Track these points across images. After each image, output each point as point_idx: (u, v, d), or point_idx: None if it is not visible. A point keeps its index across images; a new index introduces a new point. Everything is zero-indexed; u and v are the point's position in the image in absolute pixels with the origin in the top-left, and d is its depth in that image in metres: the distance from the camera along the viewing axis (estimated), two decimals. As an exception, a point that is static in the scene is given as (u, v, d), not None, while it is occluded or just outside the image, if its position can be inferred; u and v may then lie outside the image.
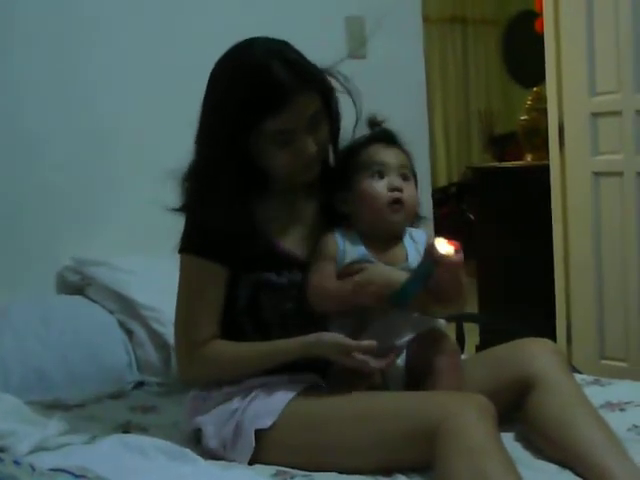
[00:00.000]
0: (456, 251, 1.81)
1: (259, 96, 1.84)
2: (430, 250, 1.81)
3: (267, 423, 1.86)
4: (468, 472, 1.58)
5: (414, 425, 1.71)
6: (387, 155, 1.94)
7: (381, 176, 1.92)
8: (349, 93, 2.00)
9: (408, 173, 1.96)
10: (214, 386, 1.99)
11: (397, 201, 1.92)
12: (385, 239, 1.96)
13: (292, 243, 2.00)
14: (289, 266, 1.96)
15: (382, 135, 1.99)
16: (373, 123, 2.01)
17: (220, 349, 1.95)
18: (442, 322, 2.05)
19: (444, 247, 1.80)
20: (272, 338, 1.94)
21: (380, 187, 1.91)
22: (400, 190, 1.92)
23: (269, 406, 1.88)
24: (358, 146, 1.98)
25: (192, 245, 1.97)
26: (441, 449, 1.63)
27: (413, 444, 1.70)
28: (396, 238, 1.98)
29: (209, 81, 1.95)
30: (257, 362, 1.94)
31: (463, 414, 1.66)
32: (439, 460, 1.63)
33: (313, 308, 1.93)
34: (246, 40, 1.94)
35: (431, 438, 1.65)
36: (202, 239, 1.94)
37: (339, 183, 1.97)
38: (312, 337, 1.88)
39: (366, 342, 1.83)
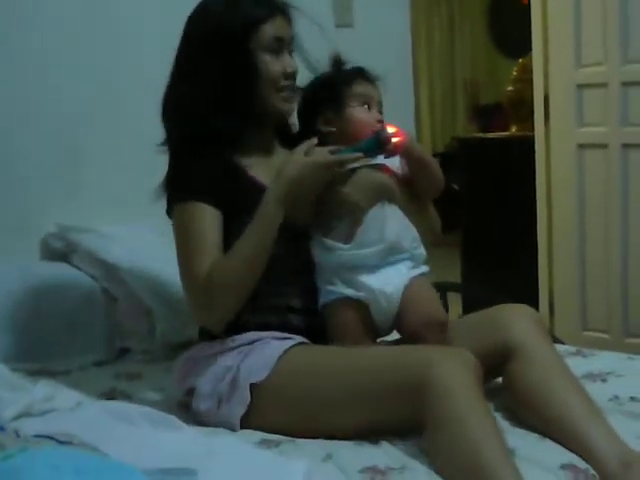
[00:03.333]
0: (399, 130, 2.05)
1: (256, 9, 2.04)
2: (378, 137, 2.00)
3: (262, 376, 1.89)
4: (450, 420, 1.64)
5: (398, 377, 1.75)
6: (373, 90, 2.13)
7: (367, 107, 2.09)
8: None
9: (382, 111, 2.14)
10: (206, 346, 2.02)
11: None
12: None
13: (264, 178, 2.06)
14: (259, 195, 2.00)
15: (366, 72, 2.15)
16: (338, 62, 2.16)
17: (220, 263, 1.95)
18: (424, 252, 2.10)
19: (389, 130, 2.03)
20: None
21: (369, 117, 2.08)
22: (382, 122, 2.09)
23: (263, 360, 1.91)
24: (347, 76, 2.13)
25: (180, 194, 2.01)
26: (425, 399, 1.67)
27: (399, 396, 1.74)
28: None
29: (190, 29, 2.10)
30: (256, 243, 1.96)
31: (445, 364, 1.70)
32: (423, 410, 1.68)
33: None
34: None
35: (416, 389, 1.69)
36: (189, 185, 2.00)
37: (325, 103, 2.10)
38: (277, 177, 1.99)
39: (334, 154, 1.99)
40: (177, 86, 2.09)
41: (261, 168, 2.09)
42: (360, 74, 2.13)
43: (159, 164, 2.07)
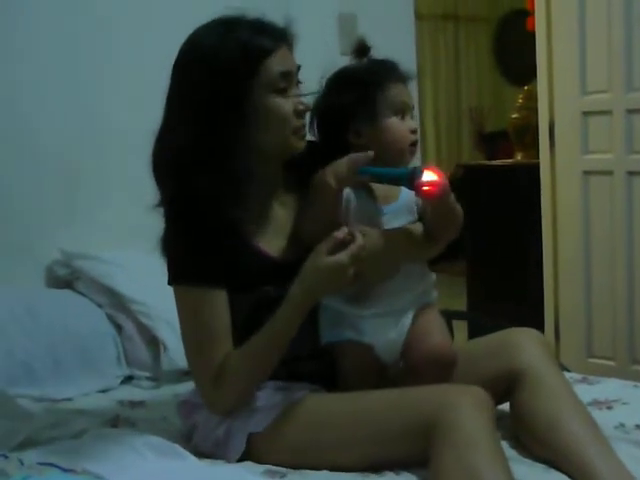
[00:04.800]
0: (438, 179, 1.79)
1: (257, 41, 1.83)
2: (412, 175, 1.78)
3: (260, 427, 1.85)
4: (458, 464, 1.58)
5: (411, 418, 1.70)
6: (407, 96, 1.96)
7: (403, 116, 1.93)
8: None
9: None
10: None
11: (415, 143, 1.95)
12: None
13: (267, 244, 1.94)
14: (266, 268, 1.91)
15: (398, 70, 1.98)
16: (363, 49, 1.99)
17: (234, 360, 1.86)
18: (433, 276, 2.02)
19: (428, 175, 1.79)
20: None
21: (404, 128, 1.93)
22: (416, 132, 1.95)
23: (263, 411, 1.87)
24: (379, 78, 1.94)
25: (183, 277, 1.89)
26: (435, 441, 1.63)
27: (410, 438, 1.70)
28: None
29: (181, 65, 1.89)
30: (272, 343, 1.85)
31: (459, 405, 1.66)
32: (433, 452, 1.63)
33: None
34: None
35: (427, 431, 1.65)
36: (191, 267, 1.88)
37: (356, 113, 1.92)
38: (298, 282, 1.81)
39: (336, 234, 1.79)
40: (167, 136, 1.89)
41: (266, 232, 1.94)
42: (393, 72, 1.96)
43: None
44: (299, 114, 1.89)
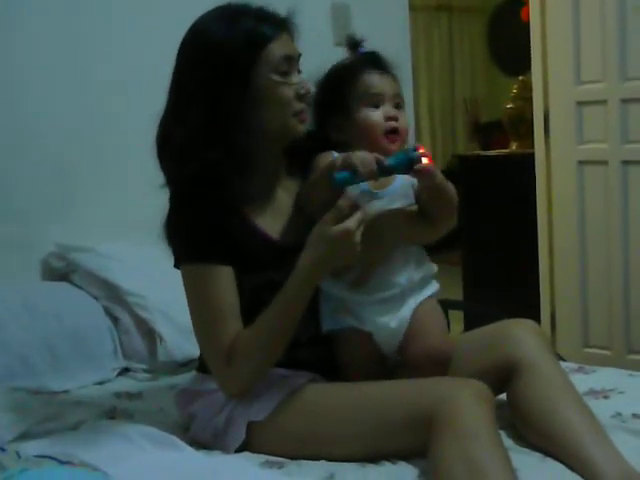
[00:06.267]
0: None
1: (260, 27, 1.87)
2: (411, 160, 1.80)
3: (261, 415, 1.85)
4: (458, 456, 1.58)
5: (411, 410, 1.71)
6: (383, 84, 1.95)
7: (377, 105, 1.93)
8: None
9: (401, 100, 1.98)
10: (206, 379, 1.97)
11: (394, 130, 1.93)
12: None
13: (267, 225, 1.95)
14: (265, 249, 1.93)
15: (375, 60, 1.99)
16: (353, 43, 2.01)
17: (245, 337, 1.85)
18: (434, 267, 2.02)
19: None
20: None
21: (377, 117, 1.92)
22: (396, 119, 1.93)
23: (263, 399, 1.87)
24: (352, 72, 1.97)
25: (188, 254, 1.90)
26: (435, 432, 1.64)
27: (410, 429, 1.71)
28: None
29: (187, 51, 1.93)
30: (283, 317, 1.84)
31: (459, 397, 1.66)
32: (433, 443, 1.64)
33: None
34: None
35: (427, 423, 1.65)
36: (195, 244, 1.89)
37: (333, 109, 1.96)
38: (306, 253, 1.82)
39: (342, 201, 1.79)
40: (172, 120, 1.91)
41: (267, 213, 1.96)
42: (368, 63, 1.97)
43: (158, 181, 1.97)
44: (300, 97, 1.92)
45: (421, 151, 1.80)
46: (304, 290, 1.84)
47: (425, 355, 1.89)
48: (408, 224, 1.93)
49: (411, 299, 1.94)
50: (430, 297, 1.97)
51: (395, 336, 1.93)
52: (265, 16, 1.91)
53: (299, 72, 1.94)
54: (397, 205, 1.93)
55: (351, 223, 1.77)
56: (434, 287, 1.99)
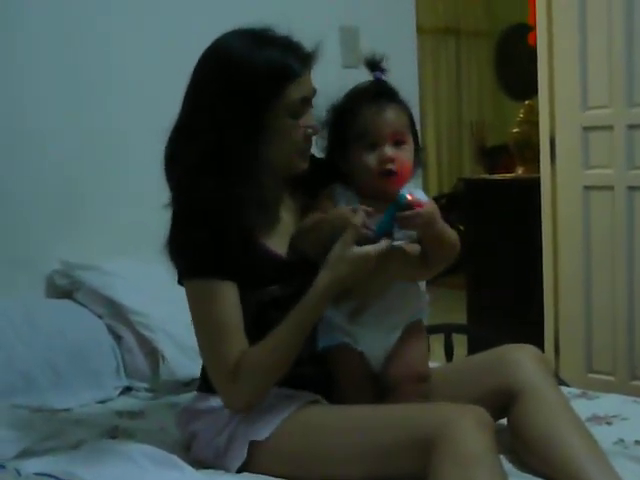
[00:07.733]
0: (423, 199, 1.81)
1: (286, 60, 1.85)
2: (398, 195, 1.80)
3: (263, 435, 1.85)
4: None
5: (411, 434, 1.70)
6: (380, 122, 1.89)
7: (373, 147, 1.89)
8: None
9: (403, 136, 1.92)
10: (210, 397, 1.96)
11: (388, 172, 1.89)
12: (382, 199, 1.88)
13: (272, 242, 1.96)
14: (273, 266, 1.93)
15: (380, 92, 1.94)
16: (372, 64, 1.97)
17: (253, 354, 1.85)
18: (427, 297, 2.03)
19: (415, 193, 1.81)
20: None
21: (371, 160, 1.89)
22: (391, 161, 1.88)
23: (265, 419, 1.86)
24: (352, 108, 1.93)
25: (193, 270, 1.89)
26: (436, 457, 1.63)
27: (410, 453, 1.69)
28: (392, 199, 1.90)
29: (200, 75, 1.91)
30: (292, 336, 1.85)
31: (460, 423, 1.65)
32: (433, 468, 1.63)
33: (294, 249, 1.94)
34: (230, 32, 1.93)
35: (427, 447, 1.64)
36: (200, 260, 1.87)
37: (336, 143, 1.96)
38: (327, 271, 1.83)
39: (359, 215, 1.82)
40: (183, 139, 1.91)
41: (272, 232, 1.97)
42: (370, 96, 1.92)
43: (163, 199, 1.96)
44: (307, 138, 1.93)
45: (409, 198, 1.79)
46: (319, 308, 1.86)
47: (400, 374, 1.91)
48: (406, 263, 1.93)
49: (401, 327, 1.95)
50: (418, 321, 1.99)
51: (383, 357, 1.94)
52: (291, 50, 1.89)
53: (311, 107, 1.93)
54: (398, 242, 1.91)
55: (373, 249, 1.80)
56: (424, 312, 2.01)
